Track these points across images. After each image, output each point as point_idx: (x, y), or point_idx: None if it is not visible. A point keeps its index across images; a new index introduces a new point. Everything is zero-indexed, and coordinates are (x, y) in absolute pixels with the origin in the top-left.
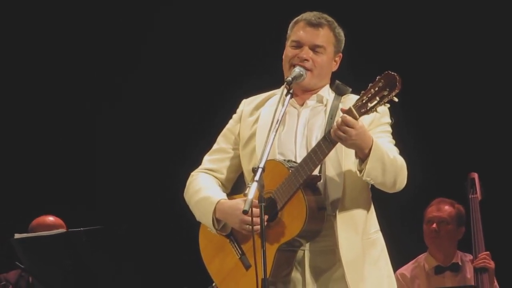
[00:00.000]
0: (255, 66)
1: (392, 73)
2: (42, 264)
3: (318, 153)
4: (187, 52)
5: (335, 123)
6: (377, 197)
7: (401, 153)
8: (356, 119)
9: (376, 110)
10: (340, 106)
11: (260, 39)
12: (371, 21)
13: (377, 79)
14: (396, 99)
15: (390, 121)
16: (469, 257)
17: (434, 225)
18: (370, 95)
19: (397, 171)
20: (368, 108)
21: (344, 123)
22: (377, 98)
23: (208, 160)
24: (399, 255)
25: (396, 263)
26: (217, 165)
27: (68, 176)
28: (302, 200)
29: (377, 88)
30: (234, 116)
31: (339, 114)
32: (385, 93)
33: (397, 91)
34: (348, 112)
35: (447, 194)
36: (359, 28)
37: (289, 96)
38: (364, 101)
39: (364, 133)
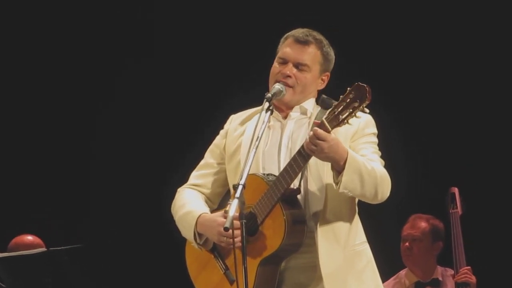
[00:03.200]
0: (244, 81)
1: (362, 84)
2: (23, 283)
3: (294, 167)
4: (175, 68)
5: (307, 137)
6: (365, 211)
7: (385, 166)
8: (328, 132)
9: (348, 122)
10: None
11: (249, 54)
12: (356, 30)
13: (347, 91)
14: (367, 110)
15: (375, 131)
16: (450, 272)
17: (407, 244)
18: (341, 108)
19: (377, 182)
20: (340, 120)
21: (316, 136)
22: (349, 110)
23: (194, 175)
24: (387, 268)
25: (384, 277)
26: (203, 180)
27: (47, 192)
28: (280, 214)
29: (348, 100)
30: (221, 131)
31: None
32: (356, 104)
33: (367, 102)
34: (320, 125)
35: (428, 209)
36: (344, 35)
37: (269, 112)
38: (336, 113)
39: (337, 145)
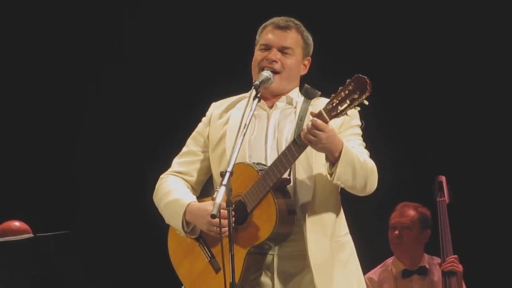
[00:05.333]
0: (224, 70)
1: (363, 76)
2: (10, 269)
3: (288, 156)
4: (156, 56)
5: (305, 127)
6: (349, 200)
7: (370, 156)
8: (326, 122)
9: (346, 114)
10: (310, 109)
11: (230, 43)
12: (342, 23)
13: (347, 82)
14: (366, 102)
15: (360, 123)
16: (437, 260)
17: (397, 232)
18: (340, 98)
19: (368, 174)
20: (338, 111)
21: (315, 126)
22: (348, 101)
23: (177, 162)
24: (370, 257)
25: (368, 266)
26: (187, 167)
27: (34, 180)
28: (272, 203)
29: (347, 91)
30: (204, 119)
31: (309, 117)
32: (356, 96)
33: (367, 94)
34: (318, 115)
35: (415, 197)
36: (328, 29)
37: (256, 100)
38: (334, 104)
39: (334, 136)
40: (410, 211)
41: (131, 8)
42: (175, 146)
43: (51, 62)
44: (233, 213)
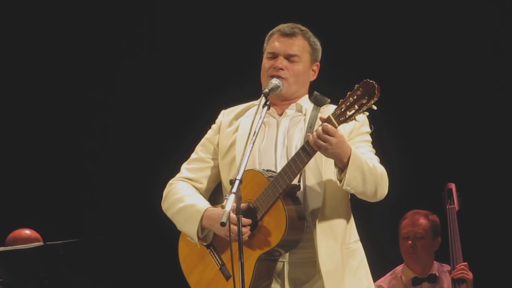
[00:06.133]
0: (234, 77)
1: (371, 81)
2: (20, 277)
3: (297, 163)
4: (166, 63)
5: (315, 133)
6: (358, 207)
7: (380, 162)
8: (335, 127)
9: (355, 119)
10: (319, 116)
11: (239, 50)
12: (348, 30)
13: (355, 87)
14: (375, 107)
15: (369, 130)
16: (447, 267)
17: (410, 242)
18: (348, 104)
19: (378, 180)
20: (347, 116)
21: (325, 131)
22: (356, 106)
23: (186, 169)
24: (380, 265)
25: (377, 273)
26: (196, 174)
27: (44, 188)
28: (281, 209)
29: (355, 97)
30: (213, 126)
31: (318, 124)
32: (364, 101)
33: (375, 99)
34: (327, 120)
35: (424, 204)
36: (337, 36)
37: (266, 108)
38: (343, 110)
39: (343, 142)
40: (421, 220)
41: (142, 16)
42: (184, 151)
43: (55, 81)
44: (250, 220)
